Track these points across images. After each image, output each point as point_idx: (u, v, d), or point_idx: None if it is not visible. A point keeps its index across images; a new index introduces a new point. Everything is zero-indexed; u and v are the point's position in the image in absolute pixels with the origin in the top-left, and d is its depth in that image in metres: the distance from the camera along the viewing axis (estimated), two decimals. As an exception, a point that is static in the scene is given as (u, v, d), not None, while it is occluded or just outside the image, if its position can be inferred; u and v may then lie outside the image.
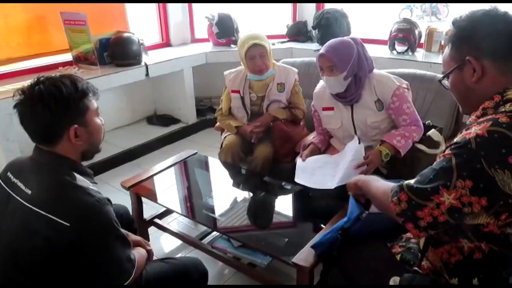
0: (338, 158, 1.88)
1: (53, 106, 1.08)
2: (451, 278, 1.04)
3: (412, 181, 1.00)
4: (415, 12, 10.50)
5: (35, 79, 1.12)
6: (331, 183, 1.75)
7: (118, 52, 3.04)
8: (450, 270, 1.04)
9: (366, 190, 1.23)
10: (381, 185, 1.15)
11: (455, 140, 0.95)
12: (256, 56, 2.14)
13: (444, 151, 0.96)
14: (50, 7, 2.94)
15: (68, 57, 3.08)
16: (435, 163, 0.97)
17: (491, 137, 0.87)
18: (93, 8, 3.07)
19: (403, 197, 0.98)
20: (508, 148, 0.86)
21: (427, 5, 10.39)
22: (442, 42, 3.03)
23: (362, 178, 1.30)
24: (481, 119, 0.94)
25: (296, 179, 1.87)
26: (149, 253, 1.39)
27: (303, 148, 2.07)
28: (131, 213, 1.80)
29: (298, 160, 1.98)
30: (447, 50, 1.05)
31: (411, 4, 10.29)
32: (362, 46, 1.84)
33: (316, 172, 1.87)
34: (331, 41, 1.84)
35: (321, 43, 3.43)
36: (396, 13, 9.65)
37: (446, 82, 1.07)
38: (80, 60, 3.04)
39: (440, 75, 1.09)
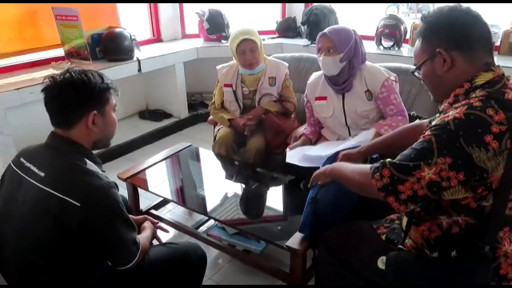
0: (329, 143, 1.94)
1: (80, 89, 1.17)
2: (432, 253, 1.12)
3: (396, 159, 1.06)
4: (402, 9, 10.57)
5: (66, 70, 1.21)
6: (323, 154, 1.71)
7: (110, 47, 3.06)
8: (430, 245, 1.12)
9: (338, 175, 1.27)
10: (356, 168, 1.20)
11: (433, 123, 1.03)
12: (246, 50, 2.21)
13: (424, 132, 1.04)
14: (42, 3, 2.95)
15: (60, 52, 3.08)
16: (415, 143, 1.04)
17: (468, 118, 0.96)
18: (84, 4, 3.08)
19: (385, 172, 1.04)
20: (483, 128, 0.95)
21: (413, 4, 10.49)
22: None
23: (329, 166, 1.35)
24: (456, 105, 1.03)
25: (287, 160, 1.87)
26: (157, 227, 1.50)
27: (294, 139, 2.15)
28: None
29: (288, 150, 2.00)
30: (417, 44, 1.13)
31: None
32: (359, 38, 1.95)
33: (306, 152, 1.88)
34: (333, 25, 1.97)
35: (310, 38, 3.51)
36: (382, 9, 9.75)
37: (418, 74, 1.16)
38: (72, 55, 3.05)
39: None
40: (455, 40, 1.05)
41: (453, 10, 1.07)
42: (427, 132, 1.01)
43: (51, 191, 1.11)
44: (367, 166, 1.13)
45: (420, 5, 10.26)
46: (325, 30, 1.90)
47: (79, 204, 1.09)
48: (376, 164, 1.08)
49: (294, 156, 1.89)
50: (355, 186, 1.20)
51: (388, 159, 1.07)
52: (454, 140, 0.95)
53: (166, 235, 2.17)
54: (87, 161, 1.19)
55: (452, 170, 0.96)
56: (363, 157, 1.53)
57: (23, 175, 1.18)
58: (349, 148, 1.58)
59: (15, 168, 1.22)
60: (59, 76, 1.19)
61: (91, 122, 1.21)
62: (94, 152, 1.30)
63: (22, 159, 1.22)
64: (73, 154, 1.19)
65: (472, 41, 1.05)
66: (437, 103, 1.17)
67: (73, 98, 1.17)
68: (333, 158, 1.56)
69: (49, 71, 2.78)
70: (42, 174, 1.15)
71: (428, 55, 1.09)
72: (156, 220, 1.54)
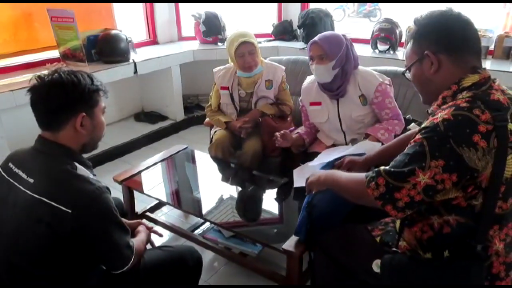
0: (328, 152, 1.87)
1: (70, 90, 1.14)
2: (425, 253, 1.13)
3: (387, 167, 1.07)
4: (347, 12, 10.25)
5: (54, 69, 1.18)
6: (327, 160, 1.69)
7: (106, 49, 3.06)
8: (423, 246, 1.13)
9: (332, 183, 1.27)
10: (350, 177, 1.21)
11: (423, 125, 1.05)
12: (245, 53, 2.20)
13: (414, 136, 1.05)
14: (37, 4, 2.94)
15: (55, 54, 3.07)
16: (407, 148, 1.05)
17: (456, 119, 0.98)
18: (79, 5, 3.08)
19: (380, 181, 1.05)
20: (471, 128, 0.96)
21: (356, 6, 10.19)
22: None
23: (323, 174, 1.35)
24: (444, 107, 1.05)
25: (295, 185, 1.79)
26: (152, 231, 1.48)
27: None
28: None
29: (294, 171, 1.90)
30: (409, 45, 1.16)
31: (344, 4, 10.04)
32: (351, 43, 1.95)
33: (310, 169, 1.79)
34: (324, 32, 1.95)
35: (306, 41, 3.51)
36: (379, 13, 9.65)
37: (408, 75, 1.19)
38: (68, 57, 3.04)
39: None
40: (443, 43, 1.08)
41: (443, 14, 1.10)
42: (418, 136, 1.03)
43: (41, 198, 1.08)
44: (362, 175, 1.13)
45: (367, 9, 10.04)
46: (316, 38, 1.90)
47: (70, 211, 1.07)
48: (371, 173, 1.09)
49: (301, 178, 1.77)
50: (351, 196, 1.20)
51: (382, 167, 1.08)
52: (444, 141, 0.97)
53: (162, 238, 2.17)
54: (77, 165, 1.16)
55: (446, 172, 0.97)
56: (368, 166, 1.54)
57: (12, 181, 1.15)
58: (354, 155, 1.58)
59: (4, 174, 1.19)
60: (47, 76, 1.16)
61: (79, 124, 1.18)
62: (85, 154, 1.27)
63: (10, 164, 1.19)
64: (62, 159, 1.16)
65: (459, 45, 1.08)
66: (427, 104, 1.18)
67: (62, 99, 1.14)
68: (332, 165, 1.54)
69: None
70: (31, 180, 1.12)
71: (418, 56, 1.12)
72: (150, 225, 1.52)
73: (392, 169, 1.04)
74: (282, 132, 2.03)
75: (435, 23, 1.10)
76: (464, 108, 0.99)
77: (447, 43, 1.08)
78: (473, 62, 1.08)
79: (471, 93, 1.03)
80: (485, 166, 0.97)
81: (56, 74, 1.16)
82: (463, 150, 0.96)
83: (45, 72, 1.18)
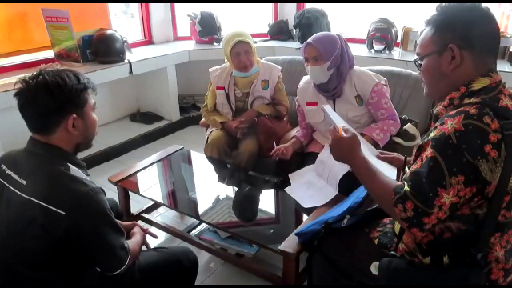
0: (319, 169, 1.86)
1: (56, 94, 1.11)
2: (424, 257, 1.11)
3: (408, 187, 1.00)
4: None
5: (38, 71, 1.15)
6: (332, 192, 1.72)
7: (101, 49, 3.04)
8: (423, 250, 1.11)
9: (358, 175, 1.17)
10: (379, 181, 1.10)
11: (432, 135, 1.00)
12: (241, 53, 2.20)
13: (424, 147, 1.01)
14: (31, 4, 2.92)
15: (50, 54, 3.05)
16: (421, 165, 0.99)
17: (467, 129, 0.93)
18: (74, 5, 3.06)
19: (409, 205, 0.99)
20: (482, 138, 0.93)
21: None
22: (417, 42, 3.16)
23: (350, 159, 1.19)
24: (451, 112, 1.00)
25: (305, 206, 1.74)
26: (147, 233, 1.47)
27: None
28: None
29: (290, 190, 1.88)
30: (428, 32, 1.06)
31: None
32: (345, 43, 1.94)
33: (310, 191, 1.82)
34: (318, 33, 1.94)
35: (302, 41, 3.51)
36: (375, 13, 9.68)
37: (419, 63, 1.11)
38: (63, 57, 3.02)
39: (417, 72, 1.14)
40: (470, 39, 1.00)
41: (475, 8, 1.02)
42: (429, 150, 0.98)
43: (34, 200, 1.07)
44: (390, 187, 1.05)
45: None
46: (310, 39, 1.89)
47: (64, 213, 1.06)
48: (399, 191, 1.02)
49: (305, 199, 1.78)
50: (376, 200, 1.16)
51: (408, 188, 1.00)
52: (459, 155, 0.93)
53: (158, 239, 2.16)
54: (71, 166, 1.15)
55: (467, 186, 0.95)
56: None
57: (5, 183, 1.14)
58: None
59: None
60: (32, 80, 1.12)
61: (71, 126, 1.16)
62: (81, 155, 1.26)
63: (3, 166, 1.18)
64: (55, 160, 1.14)
65: (484, 44, 1.02)
66: (429, 98, 1.15)
67: (50, 103, 1.11)
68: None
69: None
70: (24, 182, 1.11)
71: (438, 48, 1.04)
72: (145, 227, 1.51)
73: (421, 192, 0.98)
74: (279, 150, 2.01)
75: (466, 16, 1.01)
76: (473, 116, 0.94)
77: (474, 40, 1.00)
78: (491, 64, 1.04)
79: (479, 99, 0.98)
80: (496, 177, 0.95)
81: (41, 76, 1.12)
82: (479, 162, 0.93)
83: (29, 74, 1.15)
